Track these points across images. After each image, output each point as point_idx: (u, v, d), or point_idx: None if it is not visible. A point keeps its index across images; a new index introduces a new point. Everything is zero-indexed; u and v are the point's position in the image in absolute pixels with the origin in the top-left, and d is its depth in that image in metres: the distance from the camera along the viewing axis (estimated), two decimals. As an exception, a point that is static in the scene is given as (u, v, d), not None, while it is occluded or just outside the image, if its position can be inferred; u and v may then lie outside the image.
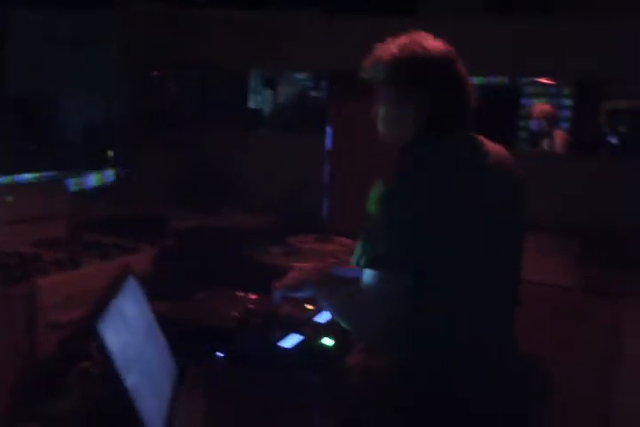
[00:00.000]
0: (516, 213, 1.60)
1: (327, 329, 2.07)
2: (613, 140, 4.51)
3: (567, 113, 4.45)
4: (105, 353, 1.20)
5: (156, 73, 3.98)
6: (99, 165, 3.69)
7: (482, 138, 1.60)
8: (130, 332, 1.35)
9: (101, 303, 1.29)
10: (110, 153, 3.70)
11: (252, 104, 4.55)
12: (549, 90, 4.63)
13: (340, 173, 3.09)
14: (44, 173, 3.39)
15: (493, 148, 1.61)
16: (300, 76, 4.95)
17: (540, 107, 4.39)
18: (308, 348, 1.92)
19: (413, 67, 1.46)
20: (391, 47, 1.49)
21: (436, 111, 1.48)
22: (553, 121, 4.35)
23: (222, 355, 1.91)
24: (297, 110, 4.48)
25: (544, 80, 4.09)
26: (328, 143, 3.15)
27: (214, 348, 1.93)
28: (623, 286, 3.08)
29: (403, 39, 1.50)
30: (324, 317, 2.19)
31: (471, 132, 1.57)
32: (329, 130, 3.12)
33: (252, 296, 2.29)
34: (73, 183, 3.46)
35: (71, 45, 3.58)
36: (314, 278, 1.74)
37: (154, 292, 2.63)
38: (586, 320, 3.05)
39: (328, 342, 1.98)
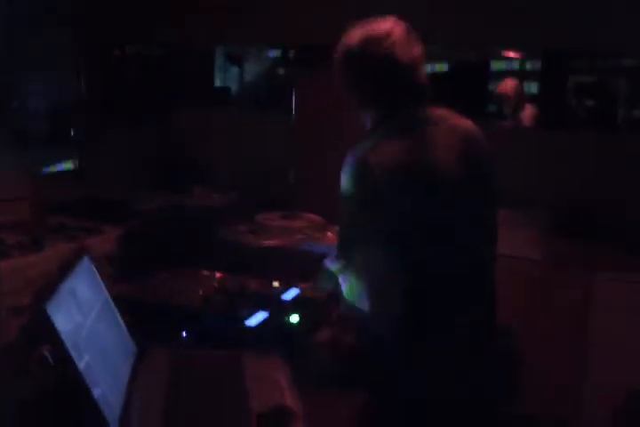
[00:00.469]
0: (477, 183, 1.61)
1: (293, 306, 2.05)
2: (581, 115, 4.53)
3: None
4: (54, 335, 1.17)
5: (118, 52, 3.89)
6: (62, 148, 3.61)
7: (440, 111, 1.63)
8: (82, 313, 1.32)
9: (51, 285, 1.26)
10: (73, 135, 3.62)
11: (218, 82, 4.47)
12: (515, 66, 4.61)
13: (305, 150, 3.06)
14: (6, 156, 3.31)
15: (454, 120, 1.64)
16: (270, 53, 4.88)
17: (505, 82, 4.38)
18: (273, 325, 1.90)
19: (343, 62, 1.61)
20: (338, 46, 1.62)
21: (377, 96, 1.59)
22: (519, 95, 4.34)
23: (187, 334, 1.89)
24: (265, 88, 4.42)
25: (511, 54, 4.06)
26: (293, 119, 3.11)
27: (179, 327, 1.91)
28: (593, 260, 3.11)
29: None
30: (290, 294, 2.18)
31: (428, 106, 1.61)
32: (294, 106, 3.08)
33: (218, 275, 2.27)
34: (36, 166, 3.39)
35: (28, 25, 3.48)
36: None
37: (119, 273, 2.61)
38: (556, 293, 3.08)
39: (294, 319, 1.96)
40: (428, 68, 4.34)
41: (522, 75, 4.44)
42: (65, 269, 1.38)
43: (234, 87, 4.64)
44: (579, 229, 3.34)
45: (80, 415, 1.22)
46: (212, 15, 3.83)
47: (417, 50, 1.60)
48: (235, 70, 4.55)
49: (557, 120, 4.22)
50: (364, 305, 1.59)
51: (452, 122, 1.64)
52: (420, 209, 1.52)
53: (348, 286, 1.65)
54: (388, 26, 1.58)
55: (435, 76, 4.00)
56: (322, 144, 3.05)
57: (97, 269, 2.57)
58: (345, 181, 1.54)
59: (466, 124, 1.66)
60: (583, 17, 3.29)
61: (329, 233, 2.54)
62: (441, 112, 1.64)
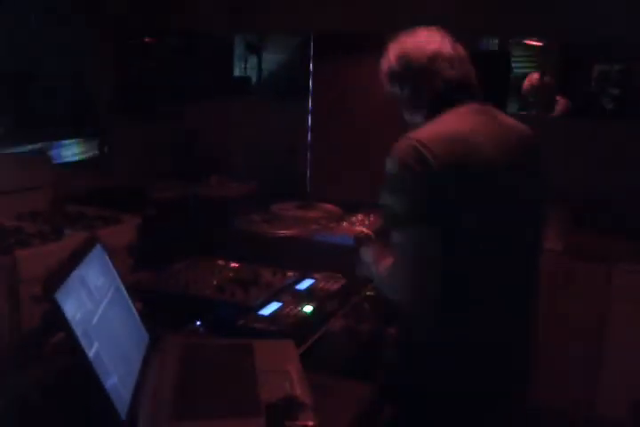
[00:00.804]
0: (526, 179, 1.65)
1: (307, 296, 2.05)
2: (608, 104, 4.46)
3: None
4: (63, 323, 1.18)
5: (137, 41, 3.89)
6: (81, 137, 3.63)
7: (489, 108, 1.69)
8: (93, 301, 1.33)
9: (61, 273, 1.27)
10: (92, 125, 3.64)
11: (237, 72, 4.47)
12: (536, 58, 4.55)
13: (321, 140, 3.04)
14: (26, 146, 3.34)
15: (508, 119, 1.71)
16: (290, 41, 4.85)
17: (531, 75, 4.33)
18: (286, 315, 1.90)
19: (402, 71, 1.68)
20: (388, 56, 1.72)
21: (433, 97, 1.65)
22: (546, 88, 4.28)
23: (201, 323, 1.90)
24: (284, 77, 4.40)
25: (532, 42, 4.00)
26: (310, 108, 3.10)
27: (193, 316, 1.92)
28: (613, 252, 3.08)
29: (394, 46, 1.72)
30: (304, 284, 2.18)
31: (477, 103, 1.66)
32: (310, 94, 3.06)
33: (233, 264, 2.28)
34: (55, 155, 3.42)
35: (43, 16, 3.49)
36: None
37: (137, 262, 2.63)
38: (577, 284, 3.06)
39: (307, 308, 1.96)
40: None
41: (543, 64, 4.39)
42: (76, 257, 1.39)
43: (253, 76, 4.63)
44: (595, 220, 3.30)
45: (90, 402, 1.23)
46: (229, 2, 3.83)
47: (460, 52, 1.71)
48: (253, 59, 4.55)
49: (581, 110, 4.17)
50: (402, 291, 1.56)
51: (508, 120, 1.70)
52: (471, 197, 1.51)
53: (386, 272, 1.61)
54: (431, 38, 1.69)
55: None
56: (338, 134, 3.03)
57: (116, 258, 2.61)
58: (396, 163, 1.53)
59: (521, 125, 1.72)
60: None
61: (344, 223, 2.53)
62: (493, 110, 1.70)
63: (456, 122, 1.59)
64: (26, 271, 2.50)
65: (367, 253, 1.83)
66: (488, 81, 3.58)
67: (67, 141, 3.58)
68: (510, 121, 1.71)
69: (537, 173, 1.70)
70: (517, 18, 3.37)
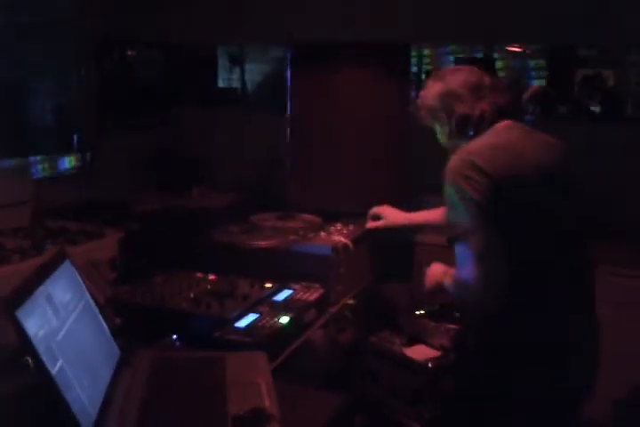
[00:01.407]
0: (564, 179, 1.85)
1: (284, 307, 2.05)
2: (594, 108, 4.49)
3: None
4: (24, 340, 1.18)
5: (117, 53, 3.90)
6: (62, 150, 3.63)
7: (521, 124, 1.90)
8: (59, 317, 1.33)
9: (24, 290, 1.27)
10: (74, 137, 3.64)
11: (220, 83, 4.48)
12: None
13: (300, 150, 3.05)
14: (6, 160, 3.34)
15: (533, 132, 1.90)
16: (274, 53, 4.87)
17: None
18: (262, 326, 1.90)
19: (444, 104, 1.90)
20: (434, 91, 1.93)
21: (478, 122, 1.87)
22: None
23: (177, 337, 1.90)
24: (267, 88, 4.42)
25: (514, 48, 4.03)
26: (289, 118, 3.10)
27: (170, 330, 1.92)
28: (598, 256, 3.08)
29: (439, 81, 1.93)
30: (282, 295, 2.18)
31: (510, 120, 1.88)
32: (289, 105, 3.07)
33: (211, 277, 2.28)
34: (36, 169, 3.42)
35: (28, 28, 3.50)
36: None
37: (121, 276, 2.63)
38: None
39: (284, 319, 1.96)
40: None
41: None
42: (42, 273, 1.39)
43: (235, 87, 4.64)
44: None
45: (54, 418, 1.23)
46: (212, 14, 3.83)
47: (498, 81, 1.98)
48: (236, 71, 4.57)
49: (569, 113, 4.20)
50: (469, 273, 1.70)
51: (538, 133, 1.90)
52: (525, 197, 1.73)
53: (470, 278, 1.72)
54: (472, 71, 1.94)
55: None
56: (317, 144, 3.04)
57: (99, 272, 2.60)
58: (456, 177, 1.71)
59: (550, 137, 1.90)
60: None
61: (322, 233, 2.53)
62: (524, 126, 1.91)
63: (496, 137, 1.83)
64: (5, 288, 2.49)
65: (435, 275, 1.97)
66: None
67: (47, 155, 3.58)
68: (539, 134, 1.92)
69: (570, 173, 1.88)
70: (501, 24, 3.39)
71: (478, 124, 1.87)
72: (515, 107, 1.98)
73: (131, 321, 2.01)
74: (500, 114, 1.87)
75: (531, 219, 1.73)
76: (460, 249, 1.73)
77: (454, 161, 1.76)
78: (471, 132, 1.87)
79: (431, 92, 1.95)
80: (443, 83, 1.92)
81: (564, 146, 1.90)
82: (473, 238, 1.68)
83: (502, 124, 1.86)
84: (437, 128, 1.97)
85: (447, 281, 1.87)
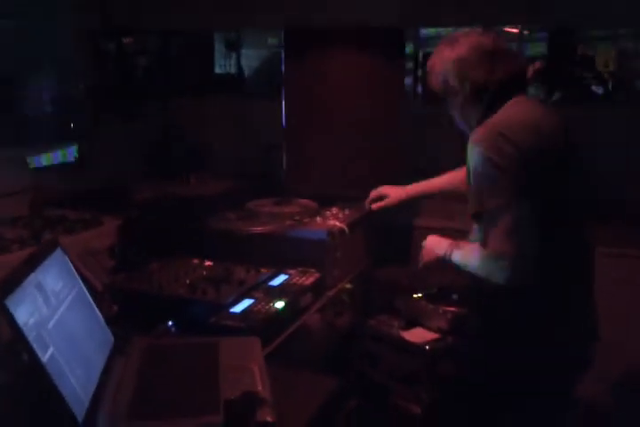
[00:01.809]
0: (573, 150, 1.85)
1: (279, 292, 2.06)
2: (596, 89, 4.46)
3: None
4: (14, 328, 1.19)
5: (114, 41, 3.89)
6: (61, 140, 3.63)
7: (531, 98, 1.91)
8: (50, 306, 1.34)
9: (14, 278, 1.28)
10: (72, 126, 3.64)
11: (217, 69, 4.47)
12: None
13: (296, 135, 3.04)
14: (5, 150, 3.34)
15: (542, 105, 1.90)
16: (272, 39, 4.85)
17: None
18: (257, 311, 1.91)
19: (456, 70, 1.81)
20: (437, 57, 1.86)
21: (483, 98, 1.81)
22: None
23: (173, 323, 1.91)
24: (264, 74, 4.40)
25: (511, 29, 3.99)
26: (283, 104, 3.10)
27: (166, 316, 1.93)
28: (595, 236, 3.08)
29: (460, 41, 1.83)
30: (277, 280, 2.18)
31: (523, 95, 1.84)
32: (283, 90, 3.06)
33: (207, 263, 2.29)
34: (35, 159, 3.42)
35: (25, 17, 3.50)
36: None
37: (119, 263, 2.64)
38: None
39: (279, 304, 1.97)
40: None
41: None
42: (33, 261, 1.40)
43: (232, 73, 4.62)
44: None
45: (47, 406, 1.24)
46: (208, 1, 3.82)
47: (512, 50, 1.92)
48: (233, 57, 4.54)
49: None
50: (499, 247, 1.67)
51: (543, 106, 1.89)
52: (550, 169, 1.73)
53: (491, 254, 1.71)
54: (486, 36, 1.84)
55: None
56: (311, 129, 3.04)
57: (97, 260, 2.61)
58: (487, 150, 1.68)
59: (551, 108, 1.94)
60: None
61: (318, 218, 2.53)
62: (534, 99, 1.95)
63: (514, 110, 1.78)
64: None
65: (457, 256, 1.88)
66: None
67: (47, 145, 3.58)
68: (547, 107, 1.94)
69: (576, 146, 1.88)
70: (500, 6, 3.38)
71: (496, 95, 1.79)
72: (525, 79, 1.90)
73: (128, 308, 2.02)
74: (514, 85, 1.81)
75: (554, 193, 1.72)
76: (488, 222, 1.69)
77: (483, 133, 1.72)
78: (486, 104, 1.80)
79: (442, 57, 1.84)
80: (454, 47, 1.82)
81: (565, 119, 1.87)
82: (504, 211, 1.65)
83: (517, 98, 1.81)
84: (449, 99, 1.88)
85: (457, 254, 1.82)
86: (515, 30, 3.99)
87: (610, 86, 4.39)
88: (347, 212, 2.61)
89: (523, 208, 1.65)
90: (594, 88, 4.46)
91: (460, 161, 1.92)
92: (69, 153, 3.64)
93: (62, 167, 3.60)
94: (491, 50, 1.78)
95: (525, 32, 4.10)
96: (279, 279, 2.19)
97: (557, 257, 1.74)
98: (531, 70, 4.28)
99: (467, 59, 1.79)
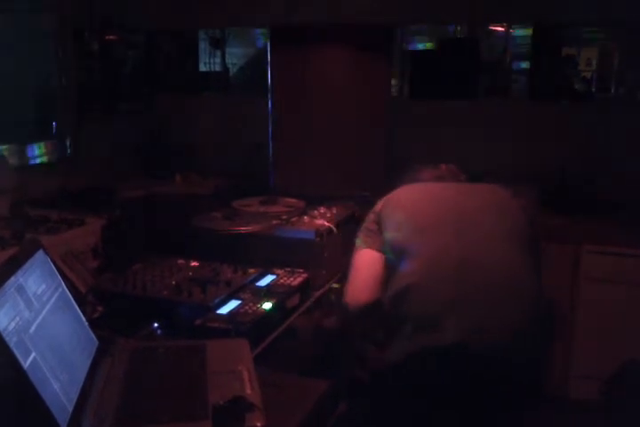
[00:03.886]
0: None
1: (267, 293, 2.03)
2: (578, 86, 4.47)
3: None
4: (-6, 333, 1.14)
5: (98, 38, 3.83)
6: (43, 138, 3.57)
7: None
8: (31, 309, 1.30)
9: (-7, 281, 1.23)
10: (55, 125, 3.58)
11: (202, 67, 4.41)
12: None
13: (282, 134, 3.02)
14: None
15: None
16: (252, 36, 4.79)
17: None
18: (244, 313, 1.88)
19: None
20: None
21: None
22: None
23: (158, 325, 1.87)
24: (250, 72, 4.36)
25: (497, 28, 3.98)
26: (269, 103, 3.07)
27: (151, 318, 1.89)
28: (582, 234, 3.08)
29: None
30: (265, 280, 2.15)
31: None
32: (269, 89, 3.03)
33: (193, 263, 2.25)
34: (16, 158, 3.36)
35: (5, 12, 3.43)
36: None
37: (103, 264, 2.59)
38: (547, 266, 3.06)
39: (267, 305, 1.94)
40: (417, 45, 4.28)
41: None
42: (13, 264, 1.35)
43: (217, 71, 4.57)
44: (566, 203, 3.32)
45: (29, 412, 1.20)
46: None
47: None
48: (218, 54, 4.49)
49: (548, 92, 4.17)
50: None
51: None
52: None
53: None
54: None
55: (424, 54, 3.96)
56: (298, 128, 3.01)
57: (81, 261, 2.56)
58: None
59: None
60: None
61: (305, 217, 2.50)
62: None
63: None
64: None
65: None
66: (458, 67, 3.59)
67: (28, 143, 3.52)
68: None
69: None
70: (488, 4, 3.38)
71: None
72: None
73: (112, 310, 1.99)
74: None
75: None
76: None
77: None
78: None
79: None
80: None
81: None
82: None
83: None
84: None
85: None
86: (501, 28, 3.99)
87: (593, 86, 4.40)
88: (334, 211, 2.58)
89: None
90: (577, 86, 4.48)
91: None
92: (53, 152, 3.58)
93: (44, 166, 3.53)
94: None
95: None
96: (267, 280, 2.16)
97: None
98: None
99: None
